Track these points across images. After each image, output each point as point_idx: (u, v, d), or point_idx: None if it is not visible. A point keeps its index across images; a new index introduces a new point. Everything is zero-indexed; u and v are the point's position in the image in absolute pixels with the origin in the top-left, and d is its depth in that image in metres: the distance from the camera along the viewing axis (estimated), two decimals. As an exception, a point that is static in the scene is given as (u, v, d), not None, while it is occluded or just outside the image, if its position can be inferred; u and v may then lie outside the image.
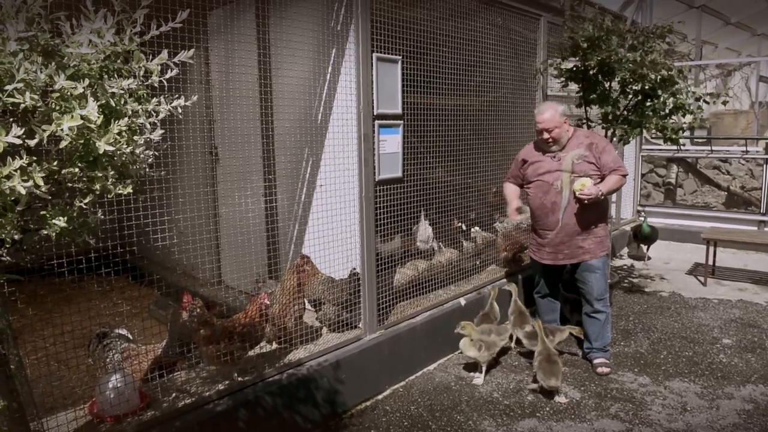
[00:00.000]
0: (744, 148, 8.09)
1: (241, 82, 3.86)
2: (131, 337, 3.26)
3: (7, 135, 1.12)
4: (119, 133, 1.27)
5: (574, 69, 4.94)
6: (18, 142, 1.13)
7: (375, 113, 3.54)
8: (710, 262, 6.26)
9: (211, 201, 4.58)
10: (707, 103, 4.96)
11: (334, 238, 3.61)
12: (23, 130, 1.13)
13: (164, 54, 1.44)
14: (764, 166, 7.63)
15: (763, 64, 14.16)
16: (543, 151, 3.99)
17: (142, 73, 1.46)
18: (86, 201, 1.32)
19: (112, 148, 1.25)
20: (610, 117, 4.93)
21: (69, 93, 1.25)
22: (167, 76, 1.46)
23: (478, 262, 4.94)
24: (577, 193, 3.73)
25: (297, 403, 3.16)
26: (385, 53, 3.58)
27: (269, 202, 3.82)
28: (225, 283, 4.50)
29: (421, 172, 4.29)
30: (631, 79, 4.66)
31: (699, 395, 3.60)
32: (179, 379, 3.08)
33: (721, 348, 4.34)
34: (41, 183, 1.16)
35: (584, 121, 5.31)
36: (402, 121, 3.77)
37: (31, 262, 1.46)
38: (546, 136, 3.87)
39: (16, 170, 1.10)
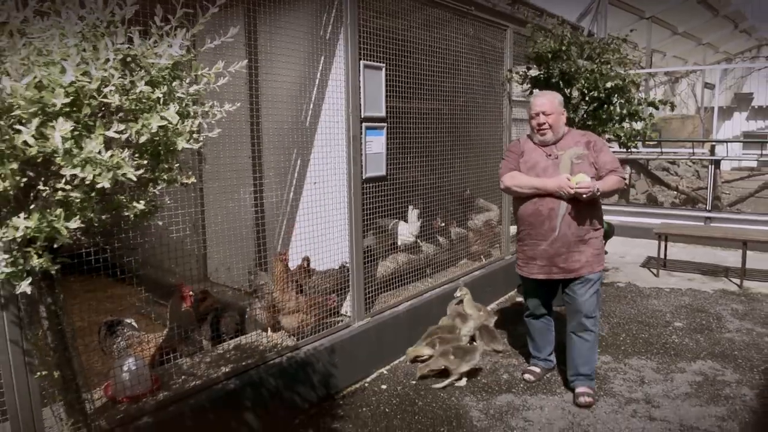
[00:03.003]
0: (691, 150, 8.70)
1: (229, 85, 4.07)
2: (136, 326, 3.45)
3: (108, 130, 1.36)
4: (190, 132, 1.53)
5: (538, 77, 5.34)
6: (117, 136, 1.37)
7: (362, 116, 3.83)
8: (662, 256, 6.77)
9: (198, 199, 4.76)
10: (657, 108, 5.44)
11: (324, 232, 3.87)
12: (124, 126, 1.37)
13: (220, 64, 1.70)
14: (709, 167, 8.24)
15: (708, 72, 15.06)
16: (537, 145, 3.60)
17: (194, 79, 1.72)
18: (159, 188, 1.57)
19: (189, 146, 1.51)
20: (570, 122, 5.35)
21: (147, 96, 1.50)
22: (220, 83, 1.72)
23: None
24: (572, 188, 3.31)
25: (295, 384, 3.41)
26: (370, 60, 3.87)
27: (259, 199, 4.04)
28: (213, 280, 4.71)
29: (397, 171, 4.57)
30: (588, 88, 5.09)
31: (655, 370, 4.01)
32: (185, 364, 3.29)
33: (674, 330, 4.78)
34: (133, 172, 1.40)
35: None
36: (385, 124, 4.07)
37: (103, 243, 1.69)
38: (542, 119, 3.49)
39: (124, 159, 1.34)
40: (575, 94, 5.22)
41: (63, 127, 1.24)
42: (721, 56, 17.62)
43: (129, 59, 1.52)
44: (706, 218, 8.08)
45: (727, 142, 9.29)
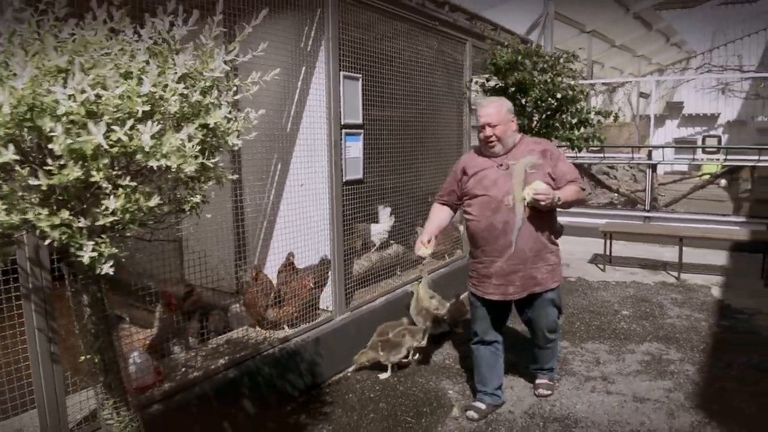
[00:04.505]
0: (631, 155, 9.37)
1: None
2: (126, 319, 3.61)
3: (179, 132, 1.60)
4: (237, 131, 1.79)
5: (495, 87, 5.77)
6: (184, 137, 1.61)
7: (342, 123, 4.11)
8: (607, 252, 7.32)
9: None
10: (605, 118, 5.97)
11: (307, 231, 4.12)
12: (194, 127, 1.62)
13: (254, 74, 1.96)
14: (647, 170, 8.92)
15: (642, 83, 16.06)
16: (487, 157, 3.35)
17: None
18: (209, 184, 1.81)
19: (239, 142, 1.77)
20: (525, 129, 5.80)
21: (199, 103, 1.75)
22: (252, 91, 1.97)
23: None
24: (529, 196, 3.09)
25: (287, 373, 3.64)
26: (347, 71, 4.15)
27: (239, 202, 4.25)
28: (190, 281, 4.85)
29: (370, 175, 4.85)
30: (542, 98, 5.55)
31: (608, 352, 4.44)
32: (183, 358, 3.47)
33: (622, 318, 5.26)
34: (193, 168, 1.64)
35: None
36: (362, 130, 4.36)
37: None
38: (489, 132, 3.23)
39: (196, 155, 1.58)
40: (529, 102, 5.66)
41: (151, 128, 1.48)
42: (654, 67, 18.83)
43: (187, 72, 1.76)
44: (645, 217, 8.74)
45: (664, 147, 10.04)
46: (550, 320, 3.48)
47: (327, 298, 4.26)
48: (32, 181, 1.41)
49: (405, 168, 5.23)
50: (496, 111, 3.26)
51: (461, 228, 5.47)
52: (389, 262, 5.20)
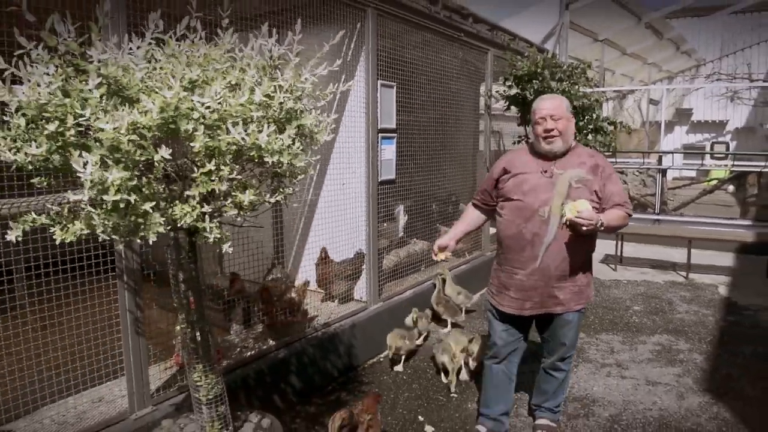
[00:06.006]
0: (641, 161, 9.67)
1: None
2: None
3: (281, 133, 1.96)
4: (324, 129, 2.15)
5: (516, 96, 6.12)
6: (289, 139, 1.96)
7: (378, 127, 4.46)
8: (618, 253, 7.63)
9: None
10: (616, 127, 6.32)
11: (345, 226, 4.47)
12: (294, 126, 1.98)
13: (331, 86, 2.31)
14: (656, 175, 9.23)
15: (653, 91, 16.36)
16: (533, 158, 3.00)
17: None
18: (298, 179, 2.16)
19: (328, 138, 2.13)
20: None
21: (291, 108, 2.10)
22: (327, 99, 2.33)
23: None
24: (571, 216, 2.67)
25: (328, 354, 3.99)
26: (383, 80, 4.51)
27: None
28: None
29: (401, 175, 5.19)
30: None
31: (621, 342, 4.77)
32: (235, 340, 3.83)
33: (633, 312, 5.58)
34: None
35: (524, 137, 6.49)
36: (396, 134, 4.71)
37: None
38: (550, 125, 2.86)
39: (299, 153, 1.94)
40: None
41: (269, 129, 1.83)
42: (664, 75, 19.12)
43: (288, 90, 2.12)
44: (655, 220, 9.04)
45: (673, 153, 10.35)
46: (565, 345, 3.12)
47: (361, 289, 4.61)
48: (188, 192, 1.78)
49: (428, 169, 5.57)
50: (557, 104, 2.92)
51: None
52: (415, 258, 5.55)
